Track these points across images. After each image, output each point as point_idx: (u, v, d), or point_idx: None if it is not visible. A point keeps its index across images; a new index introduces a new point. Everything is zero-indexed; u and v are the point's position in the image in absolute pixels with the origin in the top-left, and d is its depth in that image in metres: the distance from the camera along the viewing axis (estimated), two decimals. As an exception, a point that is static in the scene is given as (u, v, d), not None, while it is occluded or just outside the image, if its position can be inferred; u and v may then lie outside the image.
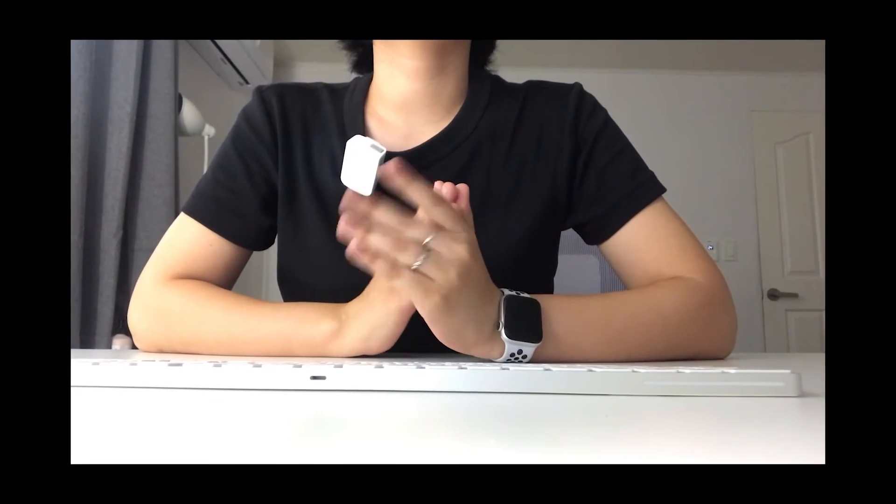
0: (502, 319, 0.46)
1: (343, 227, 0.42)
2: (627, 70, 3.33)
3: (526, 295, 0.49)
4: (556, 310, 0.50)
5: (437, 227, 0.43)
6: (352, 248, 0.41)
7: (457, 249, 0.43)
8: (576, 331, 0.51)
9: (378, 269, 0.42)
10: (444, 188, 0.47)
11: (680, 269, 0.61)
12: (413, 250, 0.42)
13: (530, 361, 0.47)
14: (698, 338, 0.57)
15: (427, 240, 0.42)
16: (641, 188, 0.65)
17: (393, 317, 0.50)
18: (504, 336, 0.46)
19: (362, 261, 0.41)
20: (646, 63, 3.27)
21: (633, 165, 0.67)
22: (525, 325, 0.47)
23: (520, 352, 0.47)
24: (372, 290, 0.52)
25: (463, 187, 0.48)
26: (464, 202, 0.48)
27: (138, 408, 0.28)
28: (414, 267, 0.42)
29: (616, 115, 0.70)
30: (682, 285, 0.58)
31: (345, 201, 0.43)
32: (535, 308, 0.49)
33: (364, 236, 0.42)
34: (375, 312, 0.51)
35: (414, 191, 0.44)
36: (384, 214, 0.43)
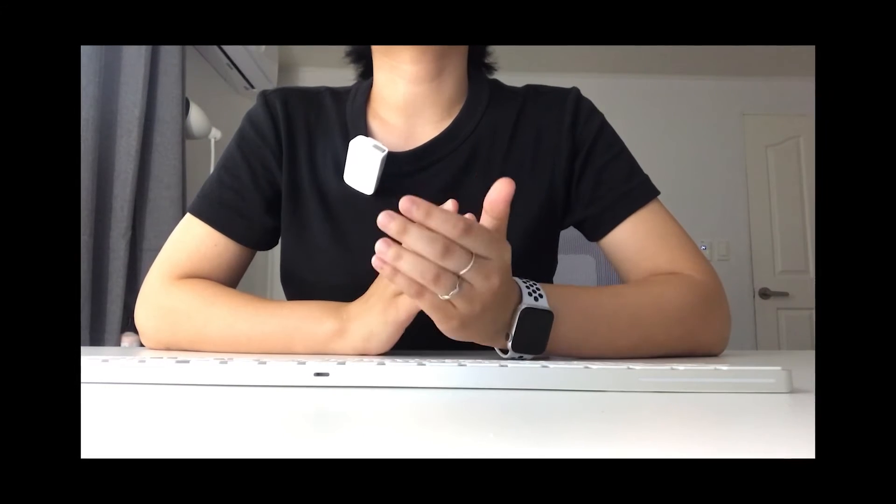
0: (512, 331, 0.46)
1: (383, 221, 0.38)
2: (623, 75, 3.33)
3: (544, 305, 0.47)
4: (566, 312, 0.50)
5: (473, 255, 0.40)
6: (380, 262, 0.39)
7: (491, 281, 0.41)
8: (583, 329, 0.52)
9: (402, 287, 0.40)
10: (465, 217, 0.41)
11: (677, 265, 0.62)
12: (447, 283, 0.39)
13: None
14: (696, 332, 0.58)
15: (463, 271, 0.40)
16: (637, 190, 0.65)
17: (389, 327, 0.51)
18: (509, 346, 0.47)
19: (385, 272, 0.39)
20: (641, 68, 3.27)
21: (628, 168, 0.67)
22: (532, 341, 0.47)
23: (520, 356, 0.48)
24: (372, 296, 0.53)
25: (505, 191, 0.43)
26: (502, 206, 0.43)
27: (146, 404, 0.28)
28: (443, 298, 0.40)
29: (612, 118, 0.71)
30: (681, 281, 0.59)
31: (384, 216, 0.38)
32: (547, 323, 0.47)
33: (398, 255, 0.38)
34: (375, 319, 0.51)
35: (438, 222, 0.38)
36: (421, 240, 0.38)
